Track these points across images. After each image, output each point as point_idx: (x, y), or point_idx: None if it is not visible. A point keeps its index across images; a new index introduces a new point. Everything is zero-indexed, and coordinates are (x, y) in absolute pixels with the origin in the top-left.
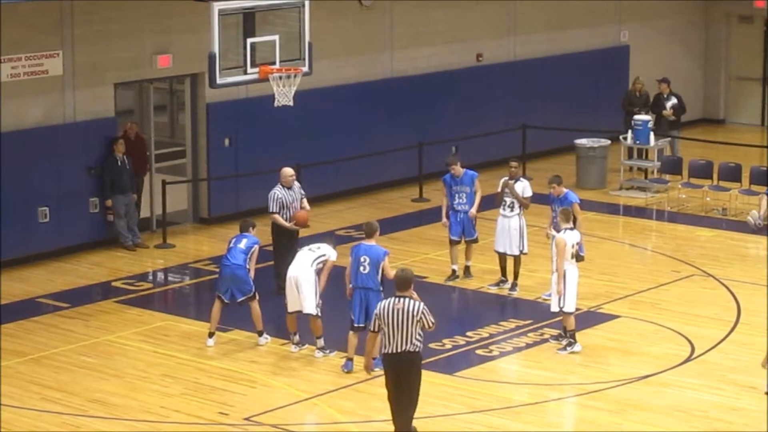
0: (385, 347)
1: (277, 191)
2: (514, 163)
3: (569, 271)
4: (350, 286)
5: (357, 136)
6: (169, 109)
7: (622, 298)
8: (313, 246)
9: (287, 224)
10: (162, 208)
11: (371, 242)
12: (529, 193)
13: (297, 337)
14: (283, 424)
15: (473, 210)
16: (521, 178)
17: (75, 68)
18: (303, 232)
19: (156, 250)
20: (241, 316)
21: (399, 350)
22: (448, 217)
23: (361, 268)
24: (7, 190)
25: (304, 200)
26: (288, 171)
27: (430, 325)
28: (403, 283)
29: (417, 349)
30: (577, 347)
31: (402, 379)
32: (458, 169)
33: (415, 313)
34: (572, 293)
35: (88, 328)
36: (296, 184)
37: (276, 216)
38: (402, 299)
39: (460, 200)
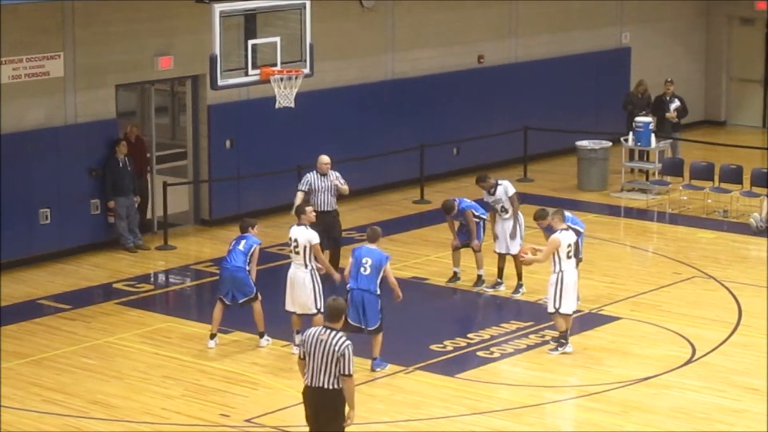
0: (305, 378)
1: (311, 175)
2: (482, 182)
3: (567, 272)
4: (348, 286)
5: (358, 138)
6: (171, 110)
7: (623, 300)
8: (292, 240)
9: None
10: (163, 209)
11: (373, 246)
12: (512, 191)
13: (300, 337)
14: (284, 426)
15: (475, 242)
16: (498, 182)
17: (76, 70)
18: None
19: (157, 252)
20: (242, 317)
21: (317, 385)
22: (456, 237)
23: (362, 269)
24: (8, 191)
25: (343, 185)
26: (323, 159)
27: (347, 372)
28: (333, 314)
29: (338, 387)
30: (568, 348)
31: (320, 420)
32: (455, 211)
33: (336, 349)
34: (569, 295)
35: (90, 330)
36: (333, 173)
37: (299, 194)
38: (328, 331)
39: (461, 231)
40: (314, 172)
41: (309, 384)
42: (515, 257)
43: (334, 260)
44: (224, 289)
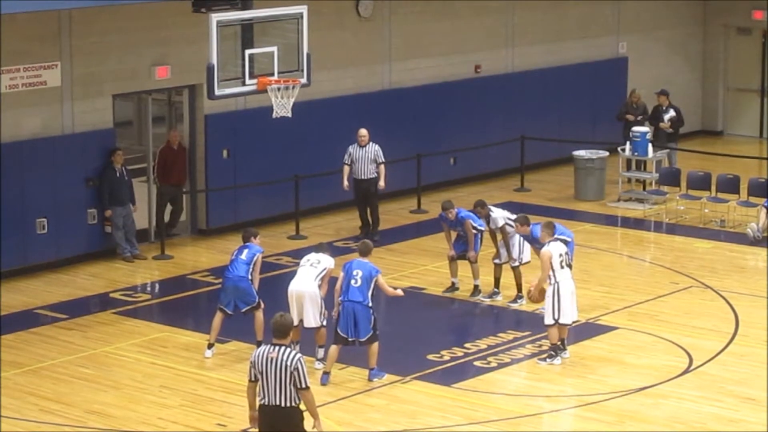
0: (260, 397)
1: (351, 147)
2: (480, 209)
3: (562, 283)
4: (339, 299)
5: None
6: (168, 120)
7: (620, 310)
8: (313, 260)
9: (346, 183)
10: (159, 219)
11: (365, 260)
12: (507, 214)
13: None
14: None
15: (472, 254)
16: (491, 210)
17: (73, 79)
18: (302, 243)
19: (154, 262)
20: (239, 327)
21: (273, 403)
22: (453, 248)
23: (353, 282)
24: (5, 201)
25: (380, 162)
26: (361, 132)
27: (304, 385)
28: (280, 331)
29: (294, 404)
30: (557, 360)
31: None
32: (452, 213)
33: (289, 364)
34: (567, 305)
35: (86, 340)
36: (373, 147)
37: (345, 167)
38: (277, 348)
39: (458, 242)
40: (355, 144)
41: (264, 403)
42: (514, 269)
43: (374, 220)
44: (226, 299)
